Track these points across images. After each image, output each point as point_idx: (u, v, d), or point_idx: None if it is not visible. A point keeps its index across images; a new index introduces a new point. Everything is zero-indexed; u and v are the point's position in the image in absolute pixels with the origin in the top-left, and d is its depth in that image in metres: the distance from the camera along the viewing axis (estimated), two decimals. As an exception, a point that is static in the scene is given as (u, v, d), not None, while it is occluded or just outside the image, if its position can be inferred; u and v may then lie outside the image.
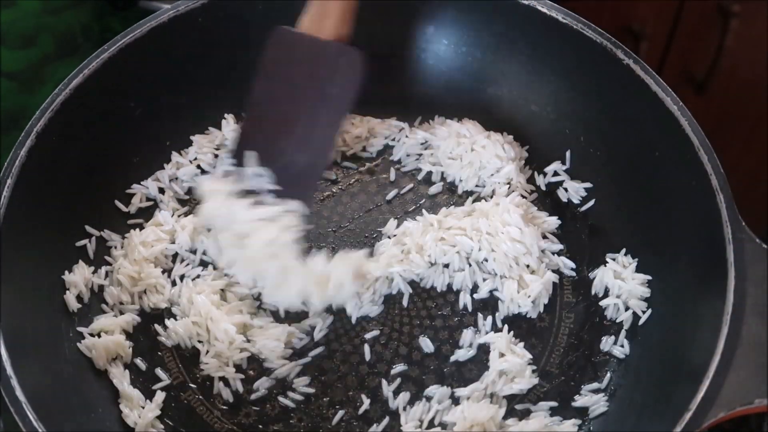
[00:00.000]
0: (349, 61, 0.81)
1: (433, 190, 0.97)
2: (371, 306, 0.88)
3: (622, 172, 0.93)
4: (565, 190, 0.96)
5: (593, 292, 0.89)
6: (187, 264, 0.90)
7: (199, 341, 0.85)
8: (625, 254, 0.90)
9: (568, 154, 0.97)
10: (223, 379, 0.84)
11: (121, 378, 0.83)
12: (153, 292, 0.88)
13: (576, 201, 0.95)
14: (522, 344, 0.86)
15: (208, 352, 0.85)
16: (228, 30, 0.96)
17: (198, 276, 0.89)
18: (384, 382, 0.84)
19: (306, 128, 0.82)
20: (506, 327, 0.87)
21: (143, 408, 0.82)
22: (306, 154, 0.82)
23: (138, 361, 0.85)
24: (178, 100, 0.96)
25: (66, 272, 0.86)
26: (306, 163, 0.82)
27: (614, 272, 0.89)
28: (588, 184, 0.95)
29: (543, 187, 0.97)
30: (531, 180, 0.97)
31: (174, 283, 0.89)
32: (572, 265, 0.91)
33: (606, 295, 0.89)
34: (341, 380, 0.85)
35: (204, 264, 0.90)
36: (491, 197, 0.94)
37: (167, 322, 0.86)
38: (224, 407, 0.83)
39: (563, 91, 0.96)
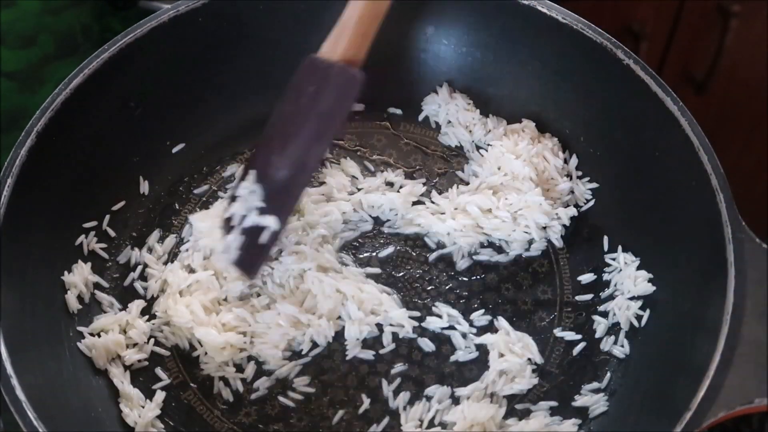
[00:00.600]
0: (345, 80, 0.81)
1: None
2: (371, 306, 0.88)
3: (622, 172, 0.93)
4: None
5: (593, 292, 0.89)
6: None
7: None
8: (625, 254, 0.90)
9: (568, 154, 0.97)
10: (223, 378, 0.84)
11: (121, 377, 0.83)
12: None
13: (581, 203, 0.95)
14: (521, 343, 0.86)
15: (207, 352, 0.85)
16: (228, 30, 0.96)
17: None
18: (384, 381, 0.84)
19: (296, 145, 0.82)
20: (506, 325, 0.87)
21: (143, 407, 0.81)
22: (289, 170, 0.82)
23: (137, 360, 0.85)
24: (178, 100, 0.96)
25: (66, 272, 0.86)
26: (287, 178, 0.81)
27: (614, 272, 0.89)
28: (594, 185, 0.95)
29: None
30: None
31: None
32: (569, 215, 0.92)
33: (606, 294, 0.89)
34: (341, 380, 0.85)
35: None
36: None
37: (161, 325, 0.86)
38: (224, 407, 0.83)
39: (563, 91, 0.96)
